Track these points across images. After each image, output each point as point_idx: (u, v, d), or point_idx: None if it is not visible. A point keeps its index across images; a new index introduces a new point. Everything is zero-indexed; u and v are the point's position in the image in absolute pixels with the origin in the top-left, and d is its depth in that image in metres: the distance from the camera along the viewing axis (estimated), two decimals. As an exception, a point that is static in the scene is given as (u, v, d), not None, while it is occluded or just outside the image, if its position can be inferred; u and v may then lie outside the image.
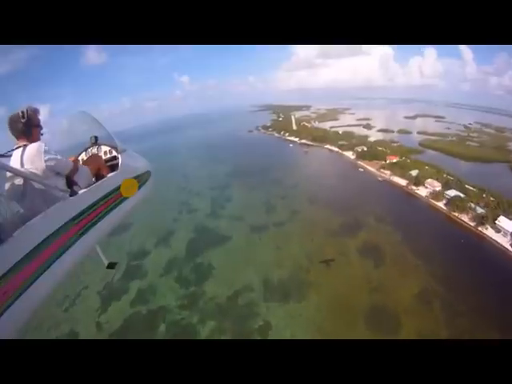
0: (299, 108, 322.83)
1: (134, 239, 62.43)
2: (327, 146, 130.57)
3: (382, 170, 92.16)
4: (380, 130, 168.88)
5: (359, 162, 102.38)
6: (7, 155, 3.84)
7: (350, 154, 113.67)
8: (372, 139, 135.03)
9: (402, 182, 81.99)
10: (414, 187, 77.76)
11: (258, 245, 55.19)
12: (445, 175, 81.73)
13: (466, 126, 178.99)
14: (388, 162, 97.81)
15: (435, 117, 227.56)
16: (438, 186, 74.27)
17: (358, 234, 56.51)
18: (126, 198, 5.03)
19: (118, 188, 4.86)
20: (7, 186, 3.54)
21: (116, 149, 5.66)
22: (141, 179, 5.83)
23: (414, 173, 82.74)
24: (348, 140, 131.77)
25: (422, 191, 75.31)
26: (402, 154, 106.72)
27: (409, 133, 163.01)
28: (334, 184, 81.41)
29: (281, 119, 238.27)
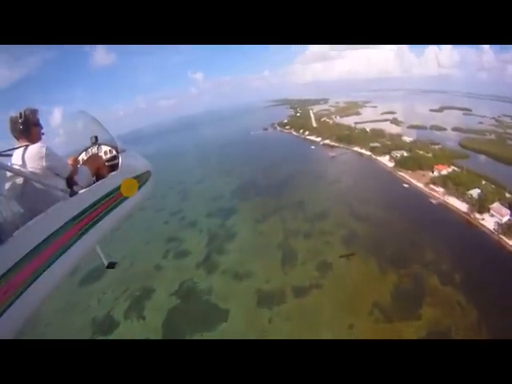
0: (316, 102, 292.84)
1: (105, 295, 44.46)
2: (356, 149, 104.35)
3: (431, 187, 67.19)
4: (411, 127, 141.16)
5: (400, 173, 76.86)
6: (7, 154, 3.70)
7: (385, 160, 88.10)
8: (406, 138, 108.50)
9: (460, 205, 57.92)
10: (477, 215, 53.50)
11: (267, 333, 32.50)
12: (507, 194, 58.08)
13: (497, 120, 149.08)
14: (436, 173, 73.19)
15: (461, 109, 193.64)
16: (506, 215, 51.20)
17: (420, 312, 33.47)
18: (126, 198, 4.68)
19: (118, 188, 4.54)
20: (7, 185, 3.40)
21: (116, 148, 5.24)
22: (141, 179, 5.38)
23: (475, 193, 58.66)
24: (379, 140, 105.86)
25: (488, 221, 51.55)
26: (448, 159, 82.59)
27: (443, 129, 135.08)
28: (374, 211, 56.52)
29: (298, 114, 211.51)
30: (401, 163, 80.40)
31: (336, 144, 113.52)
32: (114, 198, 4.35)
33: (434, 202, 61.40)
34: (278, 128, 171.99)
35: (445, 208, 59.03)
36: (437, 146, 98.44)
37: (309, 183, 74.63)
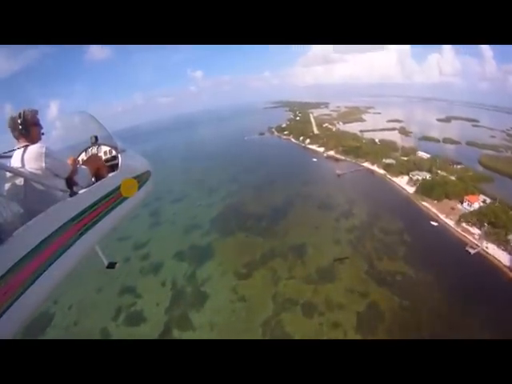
0: (317, 105, 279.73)
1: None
2: (366, 164, 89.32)
3: (465, 226, 52.57)
4: (422, 139, 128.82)
5: (424, 203, 62.11)
6: (7, 155, 3.64)
7: (403, 182, 73.51)
8: (423, 155, 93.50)
9: (502, 255, 44.36)
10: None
11: None
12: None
13: (508, 134, 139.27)
14: (467, 205, 59.22)
15: (469, 120, 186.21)
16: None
17: None
18: (126, 198, 4.59)
19: (118, 188, 4.45)
20: (7, 186, 3.31)
21: (116, 149, 5.13)
22: (141, 179, 5.29)
23: (520, 241, 44.96)
24: (392, 154, 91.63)
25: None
26: (474, 182, 69.81)
27: (457, 143, 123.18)
28: (399, 268, 41.07)
29: (298, 118, 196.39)
30: (423, 189, 65.52)
31: (342, 157, 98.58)
32: (113, 198, 4.26)
33: (471, 251, 46.37)
34: (276, 133, 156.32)
35: (485, 260, 44.48)
36: (459, 166, 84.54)
37: (311, 216, 58.38)
